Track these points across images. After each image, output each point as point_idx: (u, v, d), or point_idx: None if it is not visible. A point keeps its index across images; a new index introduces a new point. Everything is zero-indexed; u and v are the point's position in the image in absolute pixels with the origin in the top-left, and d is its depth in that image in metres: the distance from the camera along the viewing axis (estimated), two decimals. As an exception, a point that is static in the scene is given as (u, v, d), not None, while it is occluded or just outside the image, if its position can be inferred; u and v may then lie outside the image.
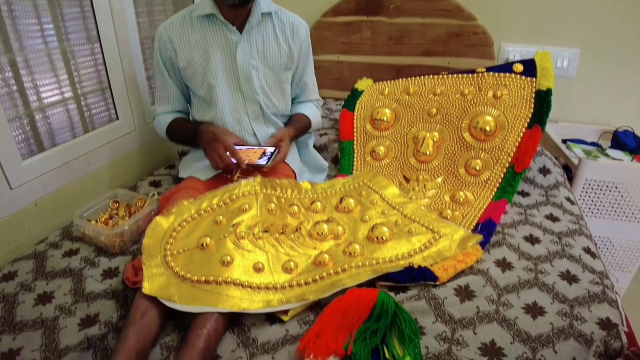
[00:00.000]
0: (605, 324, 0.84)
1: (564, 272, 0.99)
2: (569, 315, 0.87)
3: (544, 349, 0.80)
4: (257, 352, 0.80)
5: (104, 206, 1.21)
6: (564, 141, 1.67)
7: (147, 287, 0.86)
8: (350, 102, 1.53)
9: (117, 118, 1.42)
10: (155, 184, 1.41)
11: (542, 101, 1.33)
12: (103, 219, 1.17)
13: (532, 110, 1.34)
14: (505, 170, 1.31)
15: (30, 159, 1.15)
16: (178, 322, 0.89)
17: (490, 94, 1.39)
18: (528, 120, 1.33)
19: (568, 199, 1.30)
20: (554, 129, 1.75)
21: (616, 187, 1.48)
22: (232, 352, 0.81)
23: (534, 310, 0.88)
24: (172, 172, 1.47)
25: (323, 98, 2.07)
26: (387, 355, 0.73)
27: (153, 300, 0.85)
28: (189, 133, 1.24)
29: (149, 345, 0.80)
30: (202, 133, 1.20)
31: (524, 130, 1.33)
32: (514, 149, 1.31)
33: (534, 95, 1.36)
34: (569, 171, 1.53)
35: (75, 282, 0.99)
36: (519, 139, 1.32)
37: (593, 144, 1.68)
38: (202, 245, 0.95)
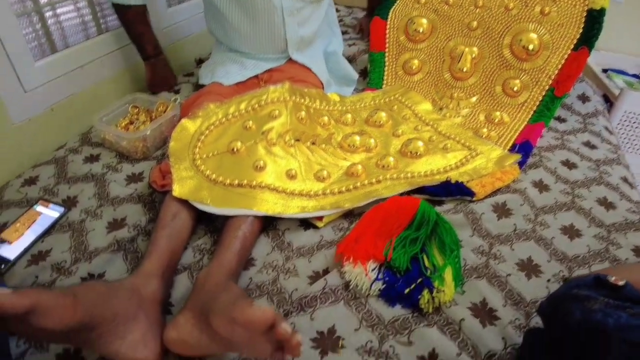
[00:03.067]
0: (640, 252, 0.83)
1: (601, 198, 0.96)
2: (605, 239, 0.86)
3: (579, 269, 0.79)
4: (292, 255, 0.79)
5: (123, 111, 1.16)
6: (604, 70, 1.58)
7: (178, 190, 0.83)
8: (383, 10, 1.40)
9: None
10: (174, 92, 1.34)
11: (594, 21, 1.22)
12: (123, 124, 1.12)
13: (580, 31, 1.24)
14: (544, 93, 1.23)
15: (42, 60, 1.09)
16: (209, 226, 0.87)
17: (537, 9, 1.28)
18: (575, 42, 1.23)
19: (606, 129, 1.25)
20: (594, 57, 1.64)
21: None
22: (267, 255, 0.80)
23: (571, 232, 0.87)
24: (191, 79, 1.40)
25: (350, 7, 1.93)
26: (426, 263, 0.72)
27: (183, 203, 0.82)
28: (143, 43, 1.21)
29: (181, 248, 0.79)
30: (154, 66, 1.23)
31: (569, 51, 1.23)
32: (556, 72, 1.23)
33: (585, 14, 1.24)
34: (607, 102, 1.46)
35: (99, 186, 0.97)
36: (563, 61, 1.23)
37: (635, 76, 1.59)
38: (233, 149, 0.91)
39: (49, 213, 0.89)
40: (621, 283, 0.55)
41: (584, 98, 1.34)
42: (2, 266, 0.78)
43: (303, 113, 1.04)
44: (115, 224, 0.87)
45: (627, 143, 1.48)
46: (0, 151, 1.02)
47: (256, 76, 1.19)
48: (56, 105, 1.13)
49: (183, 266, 0.78)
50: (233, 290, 0.61)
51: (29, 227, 0.86)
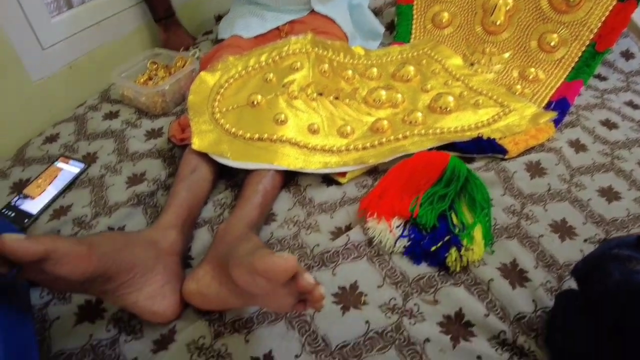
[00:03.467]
0: (686, 217, 0.77)
1: (643, 160, 0.90)
2: None
3: (617, 233, 0.74)
4: (314, 211, 0.77)
5: (141, 67, 1.14)
6: (650, 24, 1.46)
7: (197, 143, 0.81)
8: (410, -41, 1.32)
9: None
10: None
11: (644, -31, 1.12)
12: (142, 80, 1.10)
13: (628, -21, 1.14)
14: (584, 48, 1.15)
15: (59, 16, 1.07)
16: (230, 181, 0.85)
17: (581, -45, 1.17)
18: (622, -9, 1.14)
19: (652, 88, 1.16)
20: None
21: None
22: (289, 210, 0.78)
23: (609, 194, 0.82)
24: (210, 37, 1.35)
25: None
26: (455, 221, 0.69)
27: (203, 156, 0.80)
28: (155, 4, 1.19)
29: (200, 201, 0.77)
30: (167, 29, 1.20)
31: (614, 2, 1.14)
32: (599, 25, 1.14)
33: (633, -39, 1.14)
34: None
35: (118, 142, 0.96)
36: (607, 13, 1.14)
37: (683, 29, 1.46)
38: (253, 102, 0.88)
39: (70, 169, 0.89)
40: (667, 243, 0.51)
41: (627, 55, 1.24)
42: (26, 221, 0.78)
43: (326, 66, 0.99)
44: (135, 179, 0.86)
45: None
46: (20, 109, 1.01)
47: (277, 28, 1.14)
48: (74, 62, 1.11)
49: (203, 220, 0.77)
50: (254, 240, 0.59)
51: (50, 183, 0.86)
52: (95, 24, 1.14)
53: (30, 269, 0.49)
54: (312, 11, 1.16)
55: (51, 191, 0.84)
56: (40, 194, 0.84)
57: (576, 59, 1.15)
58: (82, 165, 0.90)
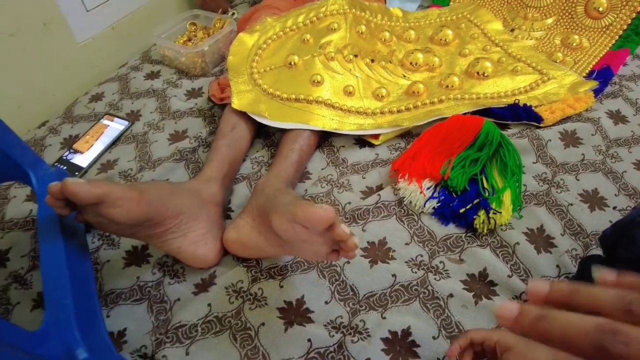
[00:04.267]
0: None
1: (686, 134, 0.87)
2: None
3: (650, 207, 0.74)
4: (347, 171, 0.80)
5: (181, 28, 1.17)
6: None
7: (236, 102, 0.84)
8: None
9: None
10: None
11: None
12: (181, 41, 1.13)
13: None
14: (634, 15, 1.09)
15: None
16: (267, 140, 0.89)
17: None
18: (682, -48, 1.06)
19: None
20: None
21: None
22: (322, 169, 0.81)
23: (646, 166, 0.80)
24: (247, -1, 1.36)
25: None
26: (485, 185, 0.70)
27: (242, 115, 0.84)
28: None
29: (240, 157, 0.81)
30: None
31: (670, -35, 1.07)
32: (653, -11, 1.08)
33: None
34: None
35: (160, 101, 1.00)
36: (662, -24, 1.08)
37: None
38: (290, 63, 0.90)
39: (115, 126, 0.94)
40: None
41: (681, 22, 1.17)
42: (77, 173, 0.85)
43: (363, 27, 0.99)
44: (177, 136, 0.91)
45: None
46: (67, 69, 1.06)
47: (315, -12, 1.13)
48: (116, 23, 1.15)
49: (242, 176, 0.81)
50: (292, 193, 0.63)
51: (97, 138, 0.92)
52: (136, -16, 1.17)
53: (87, 211, 0.54)
54: (350, -30, 1.14)
55: (99, 146, 0.90)
56: (88, 149, 0.90)
57: (625, 27, 1.10)
58: (126, 122, 0.95)
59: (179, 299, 0.64)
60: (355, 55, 0.95)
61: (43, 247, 0.56)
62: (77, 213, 0.56)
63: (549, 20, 1.16)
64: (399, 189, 0.72)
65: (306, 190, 0.77)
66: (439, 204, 0.69)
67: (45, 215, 0.59)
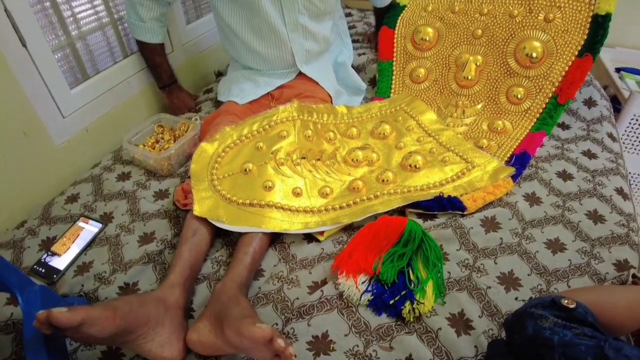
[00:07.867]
0: (622, 266, 0.87)
1: (591, 211, 1.00)
2: (588, 253, 0.90)
3: (558, 283, 0.85)
4: (296, 267, 0.91)
5: (149, 131, 1.27)
6: (618, 70, 1.57)
7: (197, 209, 0.95)
8: (391, 19, 1.46)
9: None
10: (195, 111, 1.44)
11: (598, 27, 1.23)
12: (150, 142, 1.22)
13: (585, 37, 1.25)
14: (547, 100, 1.27)
15: (77, 87, 1.20)
16: (225, 239, 0.99)
17: (541, 16, 1.30)
18: (579, 48, 1.25)
19: (610, 135, 1.27)
20: (609, 54, 1.63)
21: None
22: (274, 266, 0.92)
23: (555, 246, 0.91)
24: (209, 96, 1.50)
25: (363, 10, 1.96)
26: (411, 277, 0.82)
27: (203, 220, 0.94)
28: (160, 73, 1.34)
29: (201, 259, 0.91)
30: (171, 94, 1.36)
31: (573, 58, 1.26)
32: (560, 78, 1.26)
33: (589, 19, 1.26)
34: (617, 103, 1.46)
35: (131, 203, 1.08)
36: (567, 68, 1.26)
37: (650, 74, 1.58)
38: (246, 170, 1.03)
39: (90, 228, 1.03)
40: (572, 305, 0.63)
41: (590, 102, 1.35)
42: (54, 276, 0.93)
43: (310, 131, 1.14)
44: (146, 238, 0.99)
45: (634, 146, 1.49)
46: (45, 170, 1.15)
47: (268, 94, 1.29)
48: (90, 125, 1.25)
49: (203, 276, 0.91)
50: (242, 304, 0.74)
51: (73, 241, 1.00)
52: (108, 91, 1.28)
53: (69, 330, 0.64)
54: (300, 73, 1.31)
55: (75, 249, 0.98)
56: (65, 251, 0.98)
57: (540, 110, 1.27)
58: (100, 225, 1.03)
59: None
60: (303, 157, 1.08)
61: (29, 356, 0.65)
62: (61, 331, 0.65)
63: (479, 106, 1.33)
64: (339, 284, 0.83)
65: (260, 288, 0.87)
66: (372, 297, 0.80)
67: (31, 332, 0.68)
